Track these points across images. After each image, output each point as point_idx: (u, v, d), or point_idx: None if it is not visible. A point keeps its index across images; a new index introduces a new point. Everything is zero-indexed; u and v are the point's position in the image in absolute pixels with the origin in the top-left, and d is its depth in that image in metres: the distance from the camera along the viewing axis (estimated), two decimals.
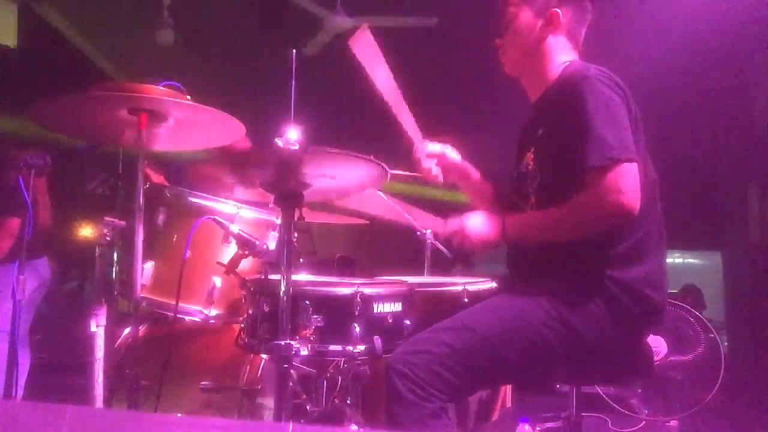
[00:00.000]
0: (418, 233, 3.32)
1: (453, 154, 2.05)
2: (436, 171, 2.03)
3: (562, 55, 1.89)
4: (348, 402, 1.95)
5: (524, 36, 1.89)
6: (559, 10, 1.87)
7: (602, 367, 1.78)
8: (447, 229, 1.82)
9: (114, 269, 2.21)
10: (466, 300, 1.96)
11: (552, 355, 1.68)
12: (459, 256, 3.55)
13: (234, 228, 1.94)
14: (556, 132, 1.78)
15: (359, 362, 1.83)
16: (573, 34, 1.91)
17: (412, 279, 2.08)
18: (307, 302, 1.71)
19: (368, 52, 1.84)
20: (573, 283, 1.71)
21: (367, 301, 1.75)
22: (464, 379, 1.64)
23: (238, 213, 2.12)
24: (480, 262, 6.03)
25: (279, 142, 1.55)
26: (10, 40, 4.97)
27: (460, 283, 2.03)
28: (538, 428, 3.16)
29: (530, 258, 1.83)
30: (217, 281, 2.13)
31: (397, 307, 1.81)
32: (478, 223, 1.78)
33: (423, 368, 1.60)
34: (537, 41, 1.89)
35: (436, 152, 2.03)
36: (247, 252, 1.91)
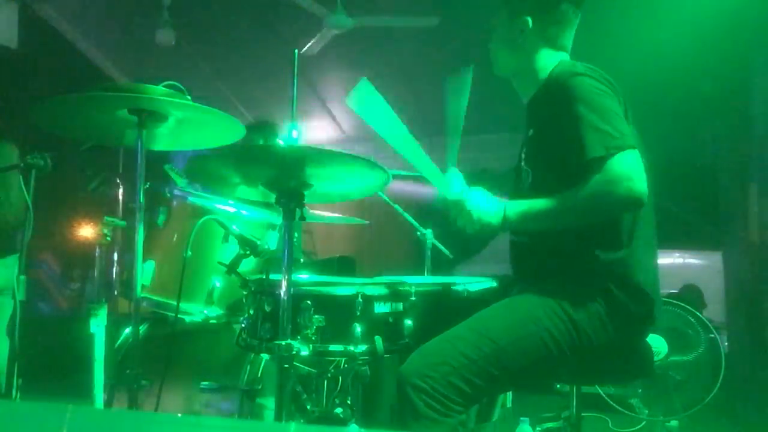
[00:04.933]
0: (418, 233, 3.32)
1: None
2: None
3: (548, 58, 1.88)
4: (348, 402, 1.94)
5: (504, 40, 1.93)
6: (529, 18, 1.87)
7: (604, 366, 1.77)
8: (449, 197, 1.74)
9: (114, 269, 2.21)
10: (466, 299, 1.96)
11: (561, 357, 1.68)
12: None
13: (234, 228, 1.94)
14: (546, 131, 1.78)
15: (360, 362, 1.83)
16: (553, 40, 1.89)
17: (412, 279, 2.08)
18: (309, 302, 1.70)
19: (370, 105, 1.72)
20: (577, 283, 1.70)
21: (369, 301, 1.75)
22: (480, 389, 1.62)
23: (237, 213, 2.12)
24: (480, 262, 6.02)
25: (280, 141, 1.54)
26: (10, 40, 4.97)
27: (461, 283, 2.03)
28: (538, 428, 3.17)
29: (535, 258, 1.82)
30: (218, 281, 2.12)
31: (397, 306, 1.81)
32: (481, 200, 1.72)
33: (440, 381, 1.56)
34: (516, 45, 1.90)
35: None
36: (248, 252, 1.91)
